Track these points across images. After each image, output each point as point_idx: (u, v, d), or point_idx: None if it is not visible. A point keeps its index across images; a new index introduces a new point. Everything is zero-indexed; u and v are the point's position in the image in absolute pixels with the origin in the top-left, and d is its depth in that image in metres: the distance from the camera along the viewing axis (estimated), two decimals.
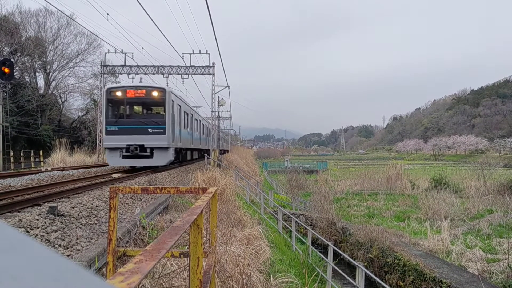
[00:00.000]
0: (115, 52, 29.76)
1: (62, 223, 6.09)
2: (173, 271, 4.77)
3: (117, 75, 33.58)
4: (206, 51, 30.16)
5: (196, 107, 30.59)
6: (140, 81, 22.27)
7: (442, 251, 13.81)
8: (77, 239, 5.51)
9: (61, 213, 6.58)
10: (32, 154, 29.82)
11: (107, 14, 28.26)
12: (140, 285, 4.10)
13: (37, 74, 42.72)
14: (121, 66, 30.13)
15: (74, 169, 17.60)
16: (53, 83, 43.07)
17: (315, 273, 10.34)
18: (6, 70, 16.26)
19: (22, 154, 28.89)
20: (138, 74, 29.81)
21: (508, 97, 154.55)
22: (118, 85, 19.77)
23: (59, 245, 5.13)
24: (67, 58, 42.87)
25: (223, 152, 42.31)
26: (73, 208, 7.20)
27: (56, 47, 41.96)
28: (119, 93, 16.71)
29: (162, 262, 4.73)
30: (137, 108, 20.00)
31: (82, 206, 7.52)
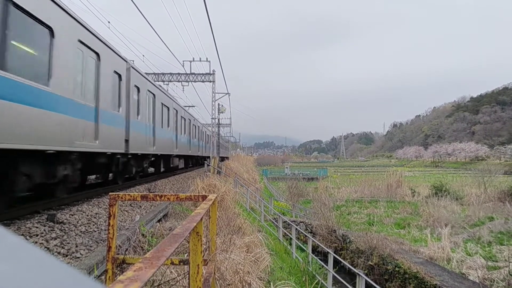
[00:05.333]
0: None
1: (62, 230, 6.08)
2: (173, 279, 4.75)
3: None
4: (206, 58, 30.32)
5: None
6: None
7: (443, 259, 13.75)
8: (77, 246, 5.49)
9: (60, 220, 6.56)
10: None
11: (108, 22, 28.50)
12: None
13: None
14: None
15: None
16: None
17: (315, 281, 10.28)
18: None
19: None
20: None
21: (507, 104, 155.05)
22: None
23: (59, 253, 5.11)
24: None
25: (223, 159, 42.28)
26: (72, 215, 7.19)
27: None
28: None
29: (162, 270, 4.71)
30: None
31: (82, 214, 7.51)
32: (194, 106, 36.21)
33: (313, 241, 13.60)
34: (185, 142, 23.40)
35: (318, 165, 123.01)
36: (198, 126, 30.13)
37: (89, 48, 8.81)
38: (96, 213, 7.84)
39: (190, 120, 25.31)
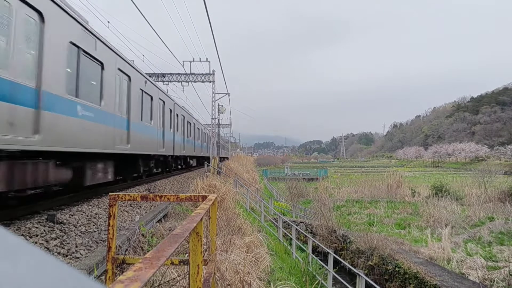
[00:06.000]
0: None
1: (61, 230, 6.08)
2: (173, 279, 4.75)
3: None
4: (206, 58, 30.34)
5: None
6: None
7: (443, 259, 13.74)
8: (76, 247, 5.49)
9: (60, 220, 6.56)
10: None
11: (108, 22, 28.52)
12: None
13: None
14: None
15: None
16: None
17: (316, 281, 10.28)
18: None
19: None
20: None
21: (507, 105, 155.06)
22: None
23: (59, 253, 5.11)
24: None
25: (222, 159, 42.25)
26: (72, 215, 7.19)
27: None
28: None
29: (162, 270, 4.71)
30: None
31: (81, 214, 7.51)
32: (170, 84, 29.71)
33: (313, 241, 13.60)
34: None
35: (318, 165, 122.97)
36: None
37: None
38: (96, 214, 7.83)
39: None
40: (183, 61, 29.45)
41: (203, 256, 2.86)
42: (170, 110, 18.36)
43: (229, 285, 5.44)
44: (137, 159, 13.74)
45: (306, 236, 14.70)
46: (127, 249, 5.96)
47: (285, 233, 15.09)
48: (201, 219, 2.48)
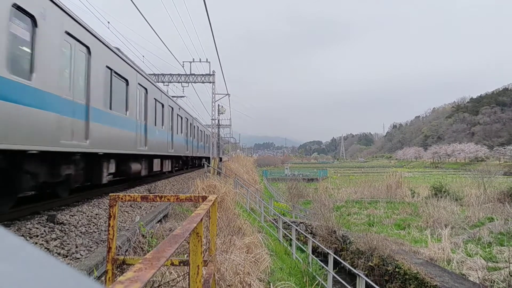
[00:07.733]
0: None
1: (62, 231, 6.07)
2: (173, 280, 4.74)
3: None
4: (207, 59, 30.35)
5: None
6: None
7: (443, 260, 13.74)
8: (77, 247, 5.48)
9: (60, 221, 6.56)
10: None
11: (108, 22, 28.53)
12: None
13: None
14: None
15: None
16: None
17: (316, 282, 10.28)
18: None
19: None
20: None
21: (507, 105, 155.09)
22: None
23: (59, 254, 5.10)
24: None
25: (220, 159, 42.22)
26: (72, 216, 7.18)
27: None
28: None
29: (162, 271, 4.71)
30: None
31: (82, 214, 7.50)
32: None
33: (313, 242, 13.59)
34: None
35: (318, 166, 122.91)
36: None
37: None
38: (96, 214, 7.83)
39: None
40: (183, 62, 29.48)
41: (203, 257, 2.86)
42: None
43: (229, 285, 5.44)
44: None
45: (306, 236, 14.70)
46: (127, 250, 5.95)
47: (285, 233, 15.09)
48: (201, 220, 2.48)
